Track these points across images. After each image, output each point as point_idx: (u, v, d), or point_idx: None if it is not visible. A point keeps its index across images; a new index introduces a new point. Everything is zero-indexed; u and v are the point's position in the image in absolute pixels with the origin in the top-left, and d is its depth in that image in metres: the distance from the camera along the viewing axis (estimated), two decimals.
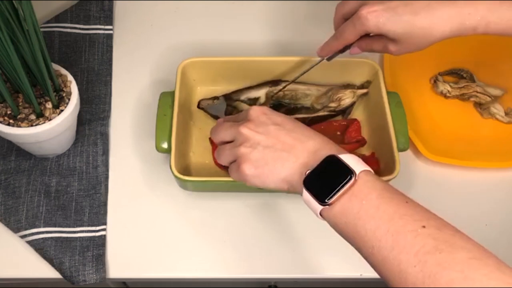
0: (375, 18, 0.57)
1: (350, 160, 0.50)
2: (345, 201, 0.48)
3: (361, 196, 0.47)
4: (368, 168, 0.50)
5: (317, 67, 0.72)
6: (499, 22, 0.56)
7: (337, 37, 0.63)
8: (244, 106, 0.72)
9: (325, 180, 0.49)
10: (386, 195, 0.47)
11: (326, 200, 0.48)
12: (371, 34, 0.60)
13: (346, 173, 0.49)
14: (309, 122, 0.71)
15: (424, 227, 0.44)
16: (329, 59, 0.67)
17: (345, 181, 0.48)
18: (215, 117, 0.72)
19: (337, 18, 0.64)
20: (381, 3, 0.58)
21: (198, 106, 0.72)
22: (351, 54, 0.65)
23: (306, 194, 0.50)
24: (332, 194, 0.48)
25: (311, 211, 0.69)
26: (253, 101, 0.73)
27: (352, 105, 0.72)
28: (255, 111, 0.56)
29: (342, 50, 0.65)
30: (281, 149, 0.53)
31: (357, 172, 0.48)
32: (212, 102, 0.72)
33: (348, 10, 0.61)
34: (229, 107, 0.72)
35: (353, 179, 0.48)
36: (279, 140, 0.53)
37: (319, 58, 0.69)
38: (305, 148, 0.52)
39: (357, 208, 0.47)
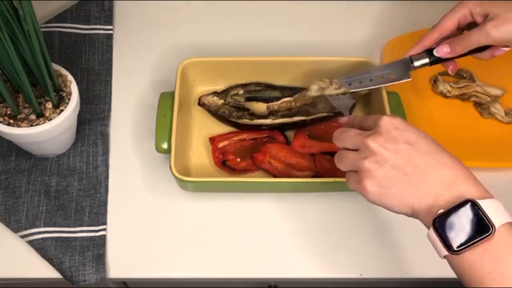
0: None
1: (492, 208, 0.45)
2: (477, 255, 0.44)
3: (497, 255, 0.43)
4: (510, 220, 0.45)
5: (316, 68, 0.73)
6: None
7: (433, 28, 0.61)
8: (255, 105, 0.72)
9: (458, 227, 0.45)
10: None
11: (455, 249, 0.45)
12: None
13: (485, 226, 0.44)
14: (309, 123, 0.71)
15: None
16: (417, 67, 0.63)
17: (482, 237, 0.44)
18: (216, 116, 0.72)
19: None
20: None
21: (199, 103, 0.72)
22: (436, 54, 0.62)
23: (433, 234, 0.47)
24: (464, 246, 0.44)
25: (311, 211, 0.69)
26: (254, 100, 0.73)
27: (353, 106, 0.72)
28: (386, 124, 0.50)
29: (435, 60, 0.62)
30: (411, 173, 0.48)
31: (497, 225, 0.44)
32: (212, 100, 0.72)
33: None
34: (226, 105, 0.72)
35: (491, 233, 0.44)
36: (410, 163, 0.48)
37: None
38: (439, 178, 0.48)
39: (489, 267, 0.43)
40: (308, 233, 0.67)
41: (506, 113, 0.76)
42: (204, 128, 0.73)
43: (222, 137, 0.71)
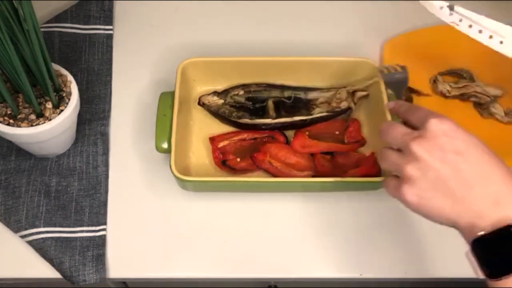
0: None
1: None
2: None
3: None
4: None
5: (316, 68, 0.73)
6: None
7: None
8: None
9: (498, 251, 0.43)
10: None
11: (495, 276, 0.43)
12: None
13: None
14: (309, 123, 0.71)
15: None
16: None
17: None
18: (216, 116, 0.72)
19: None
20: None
21: (199, 103, 0.72)
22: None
23: (470, 255, 0.45)
24: (504, 274, 0.42)
25: (311, 211, 0.69)
26: (255, 101, 0.73)
27: (351, 108, 0.73)
28: (435, 127, 0.47)
29: None
30: (455, 187, 0.45)
31: None
32: (212, 99, 0.72)
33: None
34: (226, 105, 0.72)
35: None
36: (457, 175, 0.45)
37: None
38: (484, 194, 0.45)
39: None
40: (308, 232, 0.67)
41: (506, 113, 0.76)
42: (204, 128, 0.73)
43: (222, 137, 0.71)
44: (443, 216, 0.46)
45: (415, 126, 0.50)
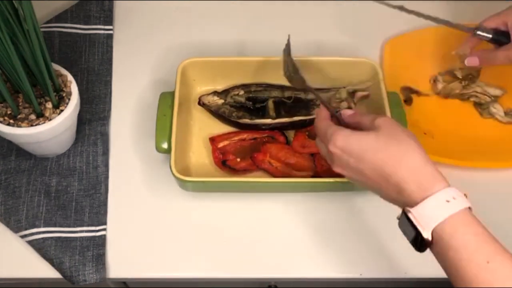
0: None
1: (422, 215, 0.49)
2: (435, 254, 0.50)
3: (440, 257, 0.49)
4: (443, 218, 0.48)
5: (316, 68, 0.72)
6: None
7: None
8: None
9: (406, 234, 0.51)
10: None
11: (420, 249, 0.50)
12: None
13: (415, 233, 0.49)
14: (309, 123, 0.71)
15: None
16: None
17: (417, 244, 0.50)
18: (216, 116, 0.72)
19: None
20: None
21: (199, 103, 0.72)
22: (467, 64, 0.67)
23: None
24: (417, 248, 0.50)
25: (311, 211, 0.69)
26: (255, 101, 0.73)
27: (350, 108, 0.73)
28: (334, 148, 0.54)
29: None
30: (371, 187, 0.54)
31: (427, 231, 0.48)
32: (212, 99, 0.72)
33: None
34: (226, 105, 0.72)
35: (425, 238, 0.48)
36: (364, 177, 0.53)
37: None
38: (388, 192, 0.52)
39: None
40: (308, 233, 0.67)
41: (506, 113, 0.76)
42: (204, 128, 0.73)
43: (222, 137, 0.71)
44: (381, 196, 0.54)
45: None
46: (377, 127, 0.53)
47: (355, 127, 0.56)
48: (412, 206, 0.49)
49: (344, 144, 0.53)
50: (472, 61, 0.66)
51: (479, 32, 0.66)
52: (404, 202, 0.50)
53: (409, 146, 0.51)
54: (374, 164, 0.51)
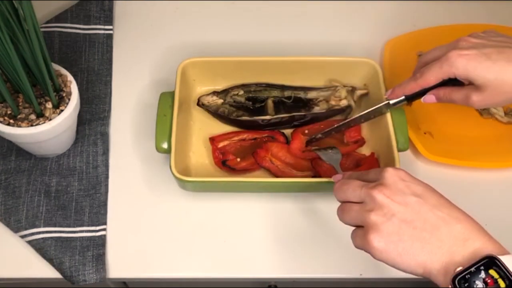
0: (466, 61, 0.54)
1: None
2: None
3: None
4: None
5: (316, 68, 0.73)
6: None
7: (416, 78, 0.59)
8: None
9: (481, 284, 0.43)
10: None
11: None
12: (457, 79, 0.57)
13: (509, 282, 0.42)
14: (309, 121, 0.71)
15: None
16: (394, 104, 0.64)
17: None
18: (216, 115, 0.72)
19: (420, 64, 0.61)
20: (473, 47, 0.55)
21: (198, 104, 0.72)
22: (424, 102, 0.62)
23: None
24: None
25: (311, 211, 0.69)
26: (255, 101, 0.73)
27: (351, 106, 0.73)
28: (392, 175, 0.49)
29: (411, 97, 0.62)
30: (421, 228, 0.46)
31: None
32: (212, 100, 0.72)
33: (436, 55, 0.58)
34: (226, 105, 0.72)
35: None
36: (420, 216, 0.47)
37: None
38: (451, 233, 0.46)
39: None
40: (308, 232, 0.67)
41: (506, 113, 0.76)
42: (204, 128, 0.73)
43: (222, 137, 0.71)
44: (413, 261, 0.46)
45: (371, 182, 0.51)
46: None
47: None
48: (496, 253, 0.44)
49: (406, 173, 0.50)
50: (428, 100, 0.61)
51: (392, 102, 0.64)
52: (473, 251, 0.45)
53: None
54: (438, 201, 0.48)
